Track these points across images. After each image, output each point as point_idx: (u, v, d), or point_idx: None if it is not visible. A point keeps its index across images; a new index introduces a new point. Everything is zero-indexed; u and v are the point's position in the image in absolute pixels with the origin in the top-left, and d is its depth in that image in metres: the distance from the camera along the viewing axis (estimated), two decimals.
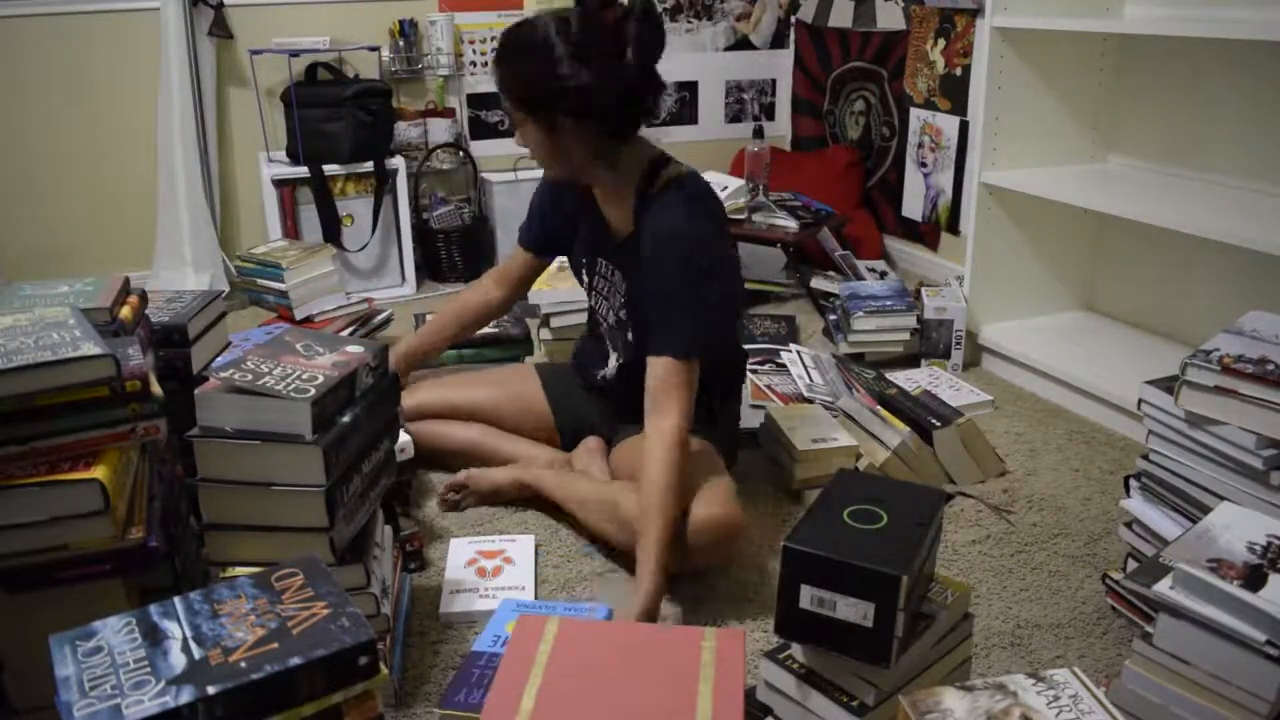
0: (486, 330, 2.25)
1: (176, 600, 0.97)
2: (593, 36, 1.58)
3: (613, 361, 1.87)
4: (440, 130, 3.35)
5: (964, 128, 2.99)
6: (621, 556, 1.68)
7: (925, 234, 3.25)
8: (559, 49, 1.58)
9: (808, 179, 3.43)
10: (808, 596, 1.11)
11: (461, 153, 3.40)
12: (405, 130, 3.28)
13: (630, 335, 1.79)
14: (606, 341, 1.89)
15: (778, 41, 3.80)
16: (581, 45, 1.57)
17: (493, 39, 3.41)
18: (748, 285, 3.04)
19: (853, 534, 1.13)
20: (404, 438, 1.77)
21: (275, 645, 0.90)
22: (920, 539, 1.13)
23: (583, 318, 2.13)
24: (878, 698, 1.11)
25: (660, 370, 1.62)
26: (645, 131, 1.73)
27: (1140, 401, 1.50)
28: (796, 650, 1.19)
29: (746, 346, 2.52)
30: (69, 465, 1.11)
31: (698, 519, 1.56)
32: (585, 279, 1.89)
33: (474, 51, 3.40)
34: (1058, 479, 1.99)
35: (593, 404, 1.96)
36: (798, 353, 2.39)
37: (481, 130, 3.48)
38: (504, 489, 1.88)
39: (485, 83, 3.42)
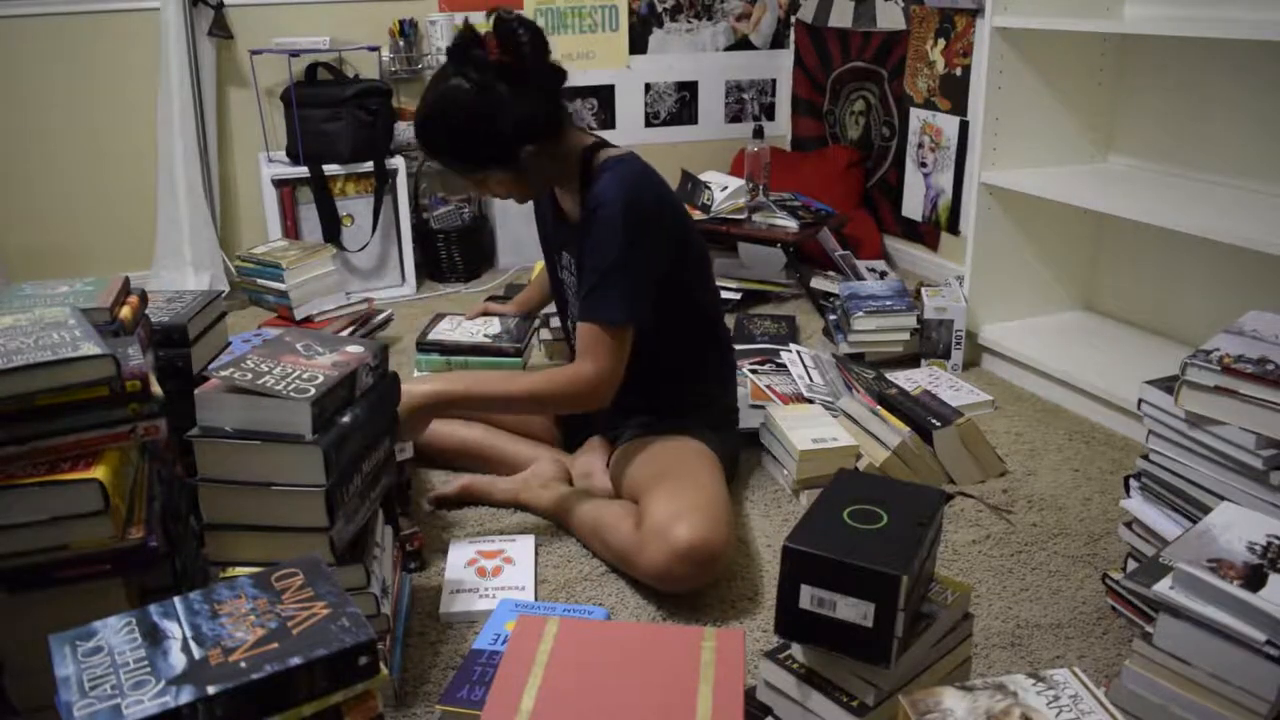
0: (481, 339, 2.24)
1: (176, 600, 0.97)
2: (497, 71, 1.61)
3: None
4: None
5: (964, 128, 2.99)
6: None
7: (925, 234, 3.25)
8: (482, 101, 1.62)
9: (808, 179, 3.43)
10: (808, 596, 1.11)
11: None
12: (405, 130, 3.28)
13: None
14: (574, 336, 1.90)
15: (778, 41, 3.80)
16: (495, 85, 1.61)
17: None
18: (748, 285, 3.05)
19: (853, 534, 1.13)
20: None
21: (275, 645, 0.90)
22: (920, 539, 1.13)
23: None
24: (878, 698, 1.11)
25: (584, 334, 1.66)
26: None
27: (1140, 401, 1.50)
28: (796, 650, 1.19)
29: (747, 346, 2.54)
30: (69, 465, 1.11)
31: (679, 540, 1.50)
32: (552, 277, 1.97)
33: None
34: (1058, 479, 1.99)
35: None
36: (798, 353, 2.39)
37: None
38: (500, 505, 1.88)
39: None
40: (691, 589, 1.58)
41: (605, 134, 3.66)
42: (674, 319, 1.80)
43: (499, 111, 1.62)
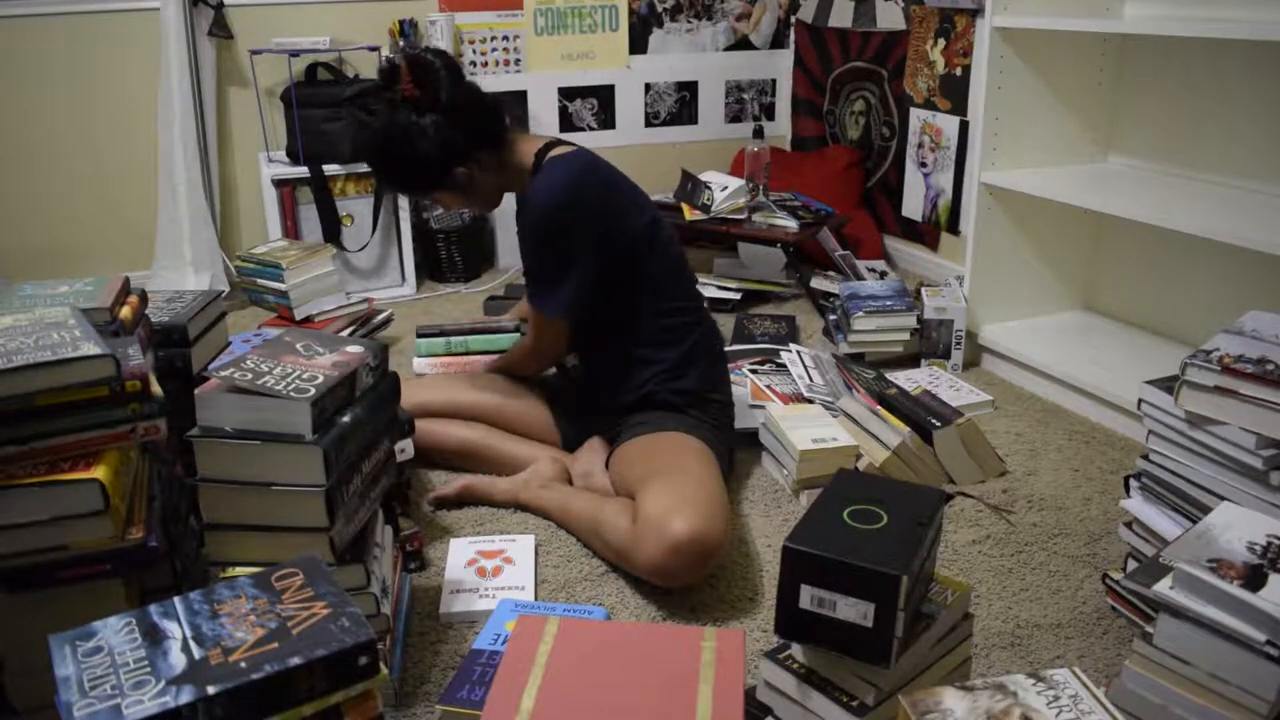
0: (479, 320, 2.26)
1: (176, 600, 0.97)
2: (412, 106, 1.76)
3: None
4: None
5: (964, 128, 2.99)
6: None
7: (925, 234, 3.25)
8: (404, 134, 1.76)
9: (808, 179, 3.43)
10: (808, 596, 1.11)
11: None
12: None
13: None
14: None
15: (778, 41, 3.80)
16: (412, 118, 1.76)
17: (493, 39, 3.41)
18: (748, 285, 3.05)
19: (853, 534, 1.13)
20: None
21: (275, 645, 0.90)
22: (920, 539, 1.13)
23: None
24: (878, 698, 1.11)
25: (530, 313, 1.88)
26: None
27: (1140, 401, 1.50)
28: (796, 650, 1.19)
29: (747, 346, 2.54)
30: (69, 465, 1.11)
31: (675, 533, 1.51)
32: None
33: (474, 52, 3.40)
34: (1058, 479, 1.99)
35: (591, 401, 1.96)
36: (798, 353, 2.39)
37: None
38: (500, 505, 1.88)
39: (485, 83, 3.42)
40: (688, 583, 1.58)
41: (605, 134, 3.63)
42: (633, 313, 1.85)
43: (420, 141, 1.76)
